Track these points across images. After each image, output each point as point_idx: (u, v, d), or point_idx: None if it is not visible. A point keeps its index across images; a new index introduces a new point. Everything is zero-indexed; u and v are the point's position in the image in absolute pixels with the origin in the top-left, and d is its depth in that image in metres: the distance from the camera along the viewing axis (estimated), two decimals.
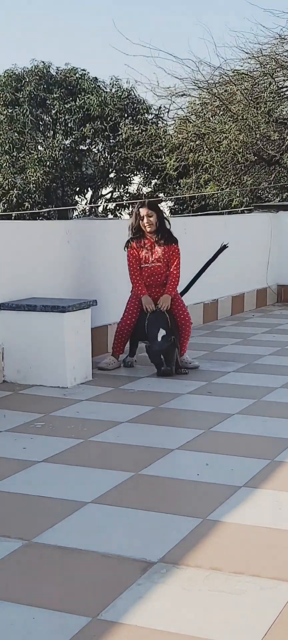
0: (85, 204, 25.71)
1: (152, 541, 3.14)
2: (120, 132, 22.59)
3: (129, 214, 25.31)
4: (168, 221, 6.50)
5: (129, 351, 6.40)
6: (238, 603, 2.67)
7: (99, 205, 25.92)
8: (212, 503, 3.52)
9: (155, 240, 6.41)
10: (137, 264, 6.42)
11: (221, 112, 15.36)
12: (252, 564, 2.95)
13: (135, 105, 23.99)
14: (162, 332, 6.12)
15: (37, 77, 24.06)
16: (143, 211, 6.39)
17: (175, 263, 6.42)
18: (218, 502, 3.52)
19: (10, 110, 23.78)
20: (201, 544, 3.10)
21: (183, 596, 2.71)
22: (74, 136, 24.09)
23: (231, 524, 3.31)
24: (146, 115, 23.74)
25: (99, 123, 23.54)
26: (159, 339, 6.10)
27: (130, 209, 25.65)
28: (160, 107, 22.79)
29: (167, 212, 21.83)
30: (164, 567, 2.90)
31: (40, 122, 24.35)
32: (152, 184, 24.66)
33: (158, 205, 6.50)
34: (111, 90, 24.06)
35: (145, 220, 6.37)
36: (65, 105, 24.06)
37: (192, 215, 13.95)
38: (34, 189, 23.04)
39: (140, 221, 6.38)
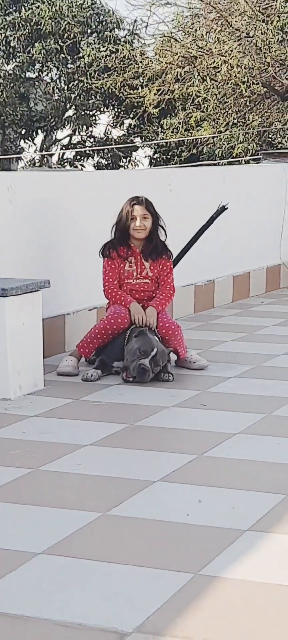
0: (34, 152, 25.67)
1: (125, 605, 3.14)
2: (81, 55, 22.55)
3: (94, 165, 25.32)
4: (164, 231, 6.59)
5: (96, 364, 6.39)
6: None
7: (53, 154, 25.89)
8: (206, 553, 3.52)
9: (142, 250, 6.49)
10: (115, 278, 6.50)
11: (219, 28, 15.39)
12: (260, 633, 2.96)
13: (101, 17, 23.97)
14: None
15: None
16: (138, 209, 6.45)
17: (171, 279, 6.61)
18: (214, 552, 3.53)
19: None
20: (192, 608, 3.11)
21: None
22: (18, 60, 24.01)
23: (232, 580, 3.31)
24: (117, 31, 23.74)
25: (52, 42, 23.48)
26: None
27: (96, 159, 25.69)
28: (135, 21, 22.80)
29: (146, 164, 21.89)
30: None
31: None
32: (125, 125, 24.70)
33: (155, 209, 6.55)
34: None
35: (138, 222, 6.45)
36: (6, 17, 23.97)
37: (180, 167, 13.98)
38: None
39: (132, 221, 6.41)
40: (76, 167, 25.43)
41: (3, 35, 23.80)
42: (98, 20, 23.74)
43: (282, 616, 3.07)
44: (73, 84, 23.77)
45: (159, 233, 6.58)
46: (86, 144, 25.95)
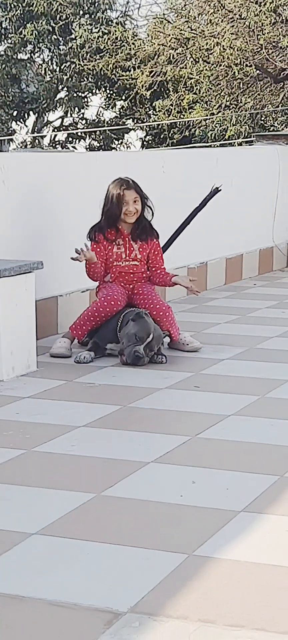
0: (26, 133, 25.60)
1: (120, 585, 3.14)
2: (73, 36, 22.46)
3: (86, 147, 25.27)
4: (152, 211, 6.61)
5: (89, 346, 6.39)
6: None
7: (45, 135, 25.82)
8: (200, 534, 3.53)
9: (131, 232, 6.53)
10: (99, 261, 6.52)
11: (211, 10, 15.35)
12: (255, 614, 2.97)
13: None
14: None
15: None
16: (129, 194, 6.45)
17: (162, 260, 6.69)
18: (208, 533, 3.54)
19: None
20: (186, 588, 3.12)
21: None
22: (9, 40, 23.91)
23: (226, 561, 3.32)
24: (109, 12, 23.64)
25: (44, 23, 23.38)
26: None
27: (88, 141, 25.64)
28: (128, 2, 22.73)
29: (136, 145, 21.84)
30: (137, 620, 2.91)
31: None
32: (117, 106, 24.61)
33: (141, 189, 6.59)
34: None
35: (130, 206, 6.46)
36: None
37: (173, 149, 13.95)
38: None
39: (124, 206, 6.43)
40: (68, 149, 25.36)
41: None
42: (90, 1, 23.65)
43: (276, 596, 3.08)
44: (65, 66, 23.68)
45: (147, 213, 6.59)
46: (78, 126, 25.88)
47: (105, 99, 24.82)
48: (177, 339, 6.53)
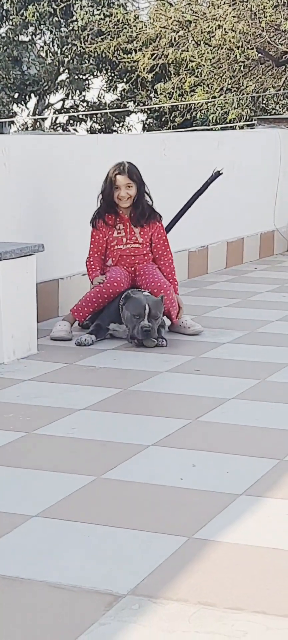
0: (27, 116, 25.55)
1: (119, 567, 3.15)
2: (75, 18, 22.40)
3: (87, 130, 25.23)
4: (150, 197, 6.58)
5: (91, 328, 6.38)
6: None
7: (46, 118, 25.77)
8: (200, 517, 3.54)
9: (131, 217, 6.51)
10: (97, 250, 6.54)
11: None
12: (255, 596, 2.97)
13: None
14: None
15: None
16: (121, 179, 6.43)
17: (167, 242, 6.65)
18: (208, 516, 3.55)
19: None
20: (186, 571, 3.12)
21: None
22: (11, 22, 23.85)
23: (226, 544, 3.33)
24: None
25: (45, 5, 23.32)
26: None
27: (89, 124, 25.59)
28: None
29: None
30: (136, 602, 2.92)
31: None
32: (119, 89, 24.58)
33: (140, 175, 6.51)
34: None
35: (122, 191, 6.44)
36: None
37: (175, 132, 13.94)
38: None
39: (115, 190, 6.39)
40: (69, 131, 25.31)
41: None
42: None
43: (275, 579, 3.09)
44: (66, 48, 23.63)
45: (146, 199, 6.54)
46: (79, 109, 25.83)
47: (106, 82, 24.78)
48: (176, 320, 6.52)
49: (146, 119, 24.29)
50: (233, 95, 16.36)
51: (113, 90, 24.89)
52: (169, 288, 6.46)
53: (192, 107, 17.79)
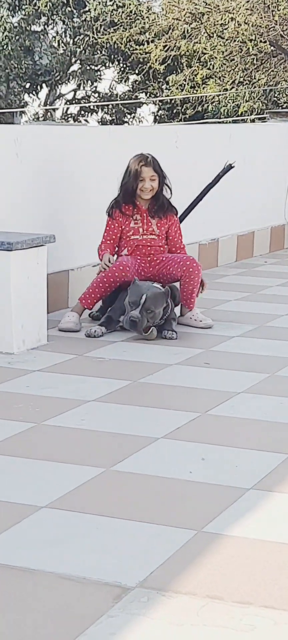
0: (39, 106, 25.56)
1: (128, 560, 3.16)
2: (87, 9, 22.38)
3: (98, 121, 25.21)
4: (170, 189, 6.63)
5: (102, 320, 6.37)
6: None
7: (57, 108, 25.76)
8: (209, 510, 3.54)
9: (148, 208, 6.53)
10: (110, 238, 6.54)
11: None
12: (263, 591, 2.98)
13: None
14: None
15: None
16: (146, 171, 6.46)
17: (181, 238, 6.70)
18: (217, 510, 3.55)
19: None
20: (195, 565, 3.13)
21: (171, 633, 2.73)
22: (23, 12, 23.84)
23: (235, 538, 3.33)
24: None
25: None
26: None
27: (100, 115, 25.58)
28: None
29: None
30: (145, 595, 2.92)
31: None
32: (130, 80, 24.56)
33: (161, 167, 6.57)
34: None
35: (147, 183, 6.46)
36: None
37: (187, 124, 13.92)
38: None
39: (140, 182, 6.41)
40: (80, 122, 25.31)
41: None
42: None
43: (284, 574, 3.09)
44: (79, 38, 23.62)
45: (165, 191, 6.60)
46: (90, 99, 25.81)
47: (118, 73, 24.77)
48: (192, 307, 6.51)
49: (157, 111, 24.26)
50: (245, 88, 16.34)
51: (125, 82, 24.88)
52: (195, 270, 6.47)
53: (204, 100, 17.78)
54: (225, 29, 15.16)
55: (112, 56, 24.00)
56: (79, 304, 6.49)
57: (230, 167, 7.58)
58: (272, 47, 15.49)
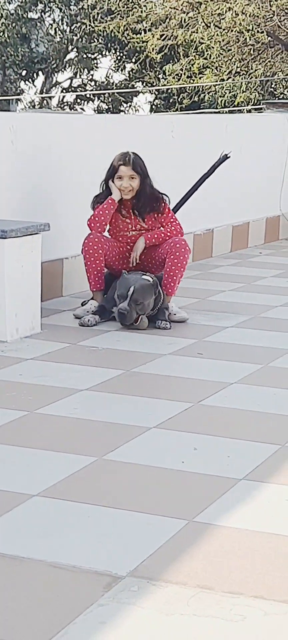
0: (35, 94, 25.51)
1: (119, 549, 3.16)
2: None
3: (94, 109, 25.18)
4: (153, 189, 6.43)
5: (95, 309, 6.34)
6: (235, 633, 2.70)
7: (53, 96, 25.72)
8: (200, 500, 3.55)
9: (133, 207, 6.44)
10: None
11: None
12: (254, 581, 2.98)
13: None
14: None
15: None
16: (124, 170, 6.33)
17: (175, 222, 6.48)
18: (209, 500, 3.55)
19: None
20: (185, 554, 3.13)
21: (161, 623, 2.74)
22: None
23: (226, 528, 3.34)
24: None
25: None
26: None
27: (96, 103, 25.54)
28: None
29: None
30: (135, 584, 2.93)
31: None
32: (127, 69, 24.54)
33: (145, 167, 6.41)
34: None
35: (124, 182, 6.35)
36: None
37: (183, 114, 13.91)
38: None
39: (117, 180, 6.35)
40: (76, 110, 25.27)
41: None
42: None
43: (275, 565, 3.10)
44: (75, 26, 23.58)
45: (148, 190, 6.43)
46: (87, 88, 25.77)
47: (114, 61, 24.74)
48: (172, 292, 6.41)
49: (154, 100, 24.25)
50: (241, 79, 16.32)
51: (121, 70, 24.85)
52: (183, 253, 6.34)
53: (200, 90, 17.76)
54: (223, 18, 15.13)
55: (109, 44, 23.97)
56: (92, 293, 6.40)
57: (226, 157, 7.57)
58: (269, 38, 15.47)
